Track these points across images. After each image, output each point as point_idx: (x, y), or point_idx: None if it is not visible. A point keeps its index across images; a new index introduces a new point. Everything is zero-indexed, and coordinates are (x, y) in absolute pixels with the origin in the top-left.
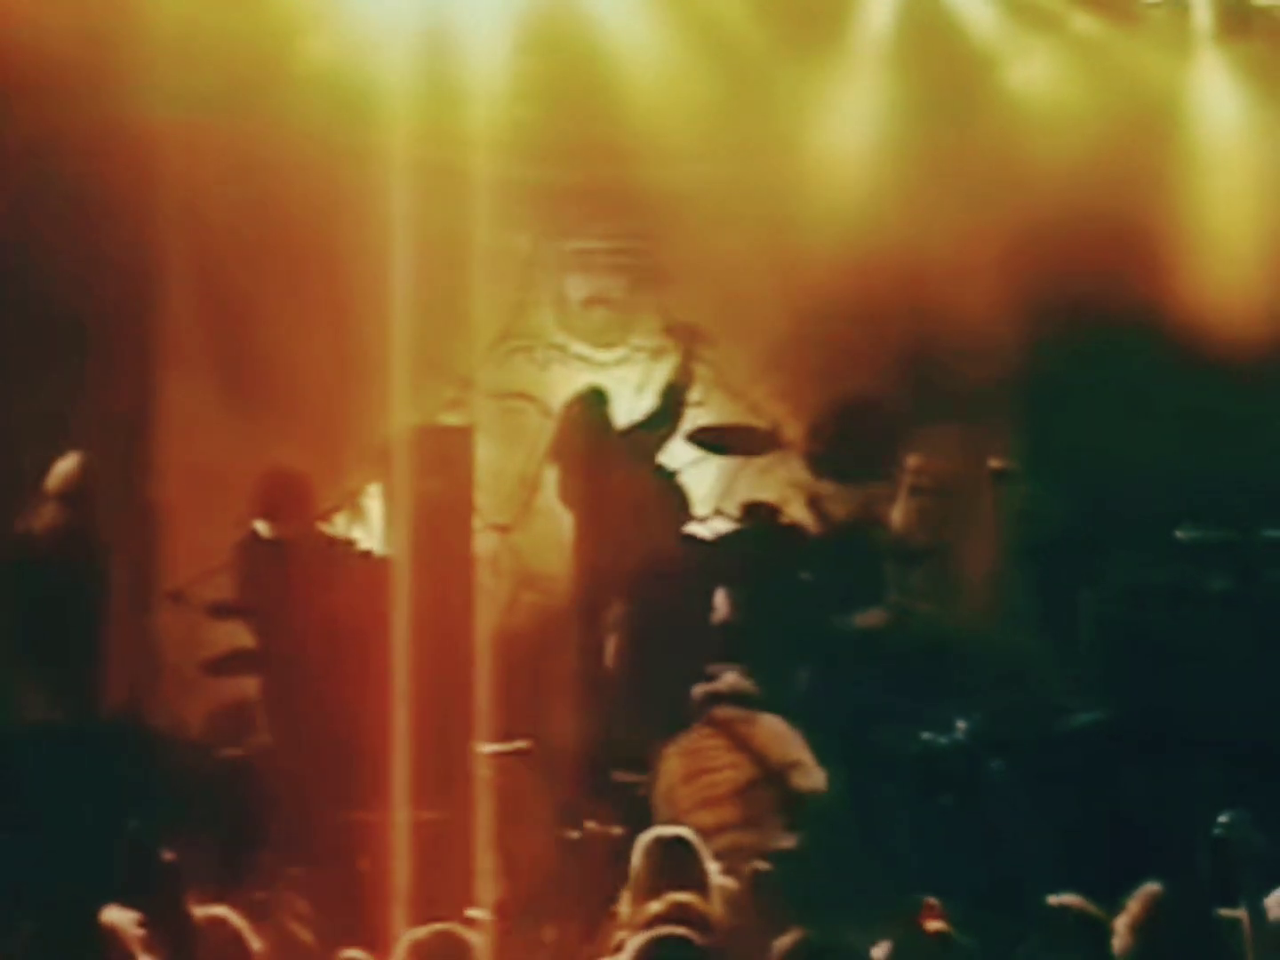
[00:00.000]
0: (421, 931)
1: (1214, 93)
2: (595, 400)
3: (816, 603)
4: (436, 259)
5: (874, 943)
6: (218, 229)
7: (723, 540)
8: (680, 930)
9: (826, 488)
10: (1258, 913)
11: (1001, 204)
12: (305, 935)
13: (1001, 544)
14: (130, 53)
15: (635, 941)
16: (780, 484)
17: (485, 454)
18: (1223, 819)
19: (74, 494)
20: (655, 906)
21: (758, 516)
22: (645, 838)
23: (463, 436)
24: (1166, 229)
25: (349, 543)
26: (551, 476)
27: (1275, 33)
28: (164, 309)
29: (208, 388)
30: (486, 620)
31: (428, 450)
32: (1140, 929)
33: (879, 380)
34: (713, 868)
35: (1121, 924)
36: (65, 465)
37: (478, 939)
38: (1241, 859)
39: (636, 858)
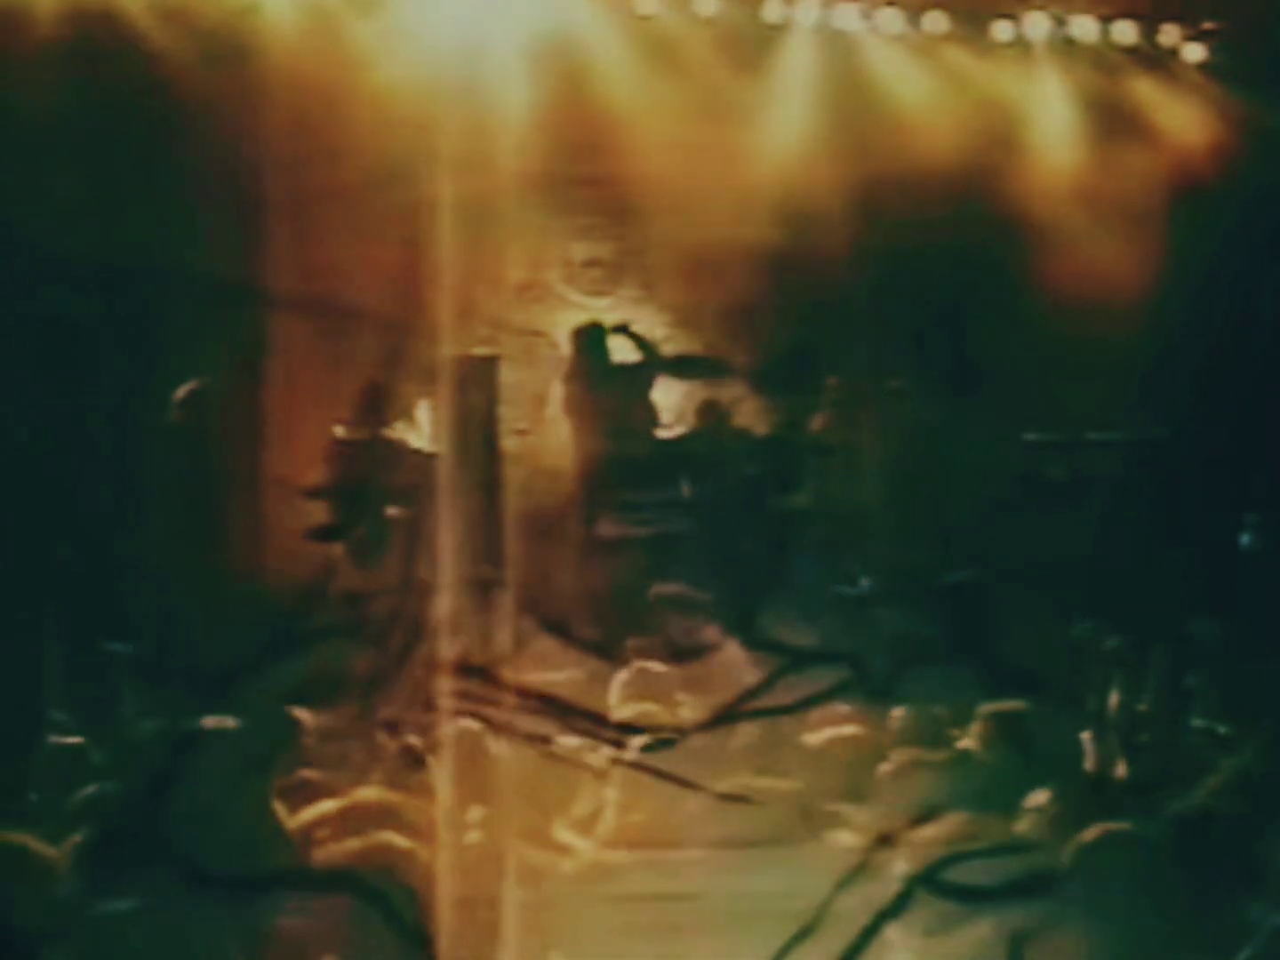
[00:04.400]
0: None
1: (1046, 104)
2: (595, 333)
3: (756, 487)
4: (474, 230)
5: None
6: (314, 214)
7: (683, 440)
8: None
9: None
10: (1103, 703)
11: (889, 186)
12: None
13: (895, 443)
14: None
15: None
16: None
17: (509, 376)
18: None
19: (198, 401)
20: None
21: (710, 417)
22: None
23: (492, 363)
24: (1012, 202)
25: (405, 442)
26: (558, 392)
27: (1092, 62)
28: (276, 270)
29: (306, 327)
30: (509, 500)
31: (466, 373)
32: (984, 734)
33: (805, 323)
34: None
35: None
36: (190, 383)
37: None
38: (1093, 658)
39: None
